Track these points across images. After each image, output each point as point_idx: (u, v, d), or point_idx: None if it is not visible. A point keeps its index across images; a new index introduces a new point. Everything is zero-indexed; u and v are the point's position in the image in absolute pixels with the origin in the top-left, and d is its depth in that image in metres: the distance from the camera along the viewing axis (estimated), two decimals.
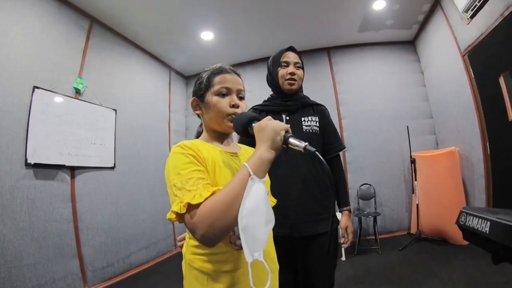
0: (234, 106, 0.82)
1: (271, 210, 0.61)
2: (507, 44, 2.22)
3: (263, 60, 4.14)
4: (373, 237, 3.42)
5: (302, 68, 1.42)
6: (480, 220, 0.98)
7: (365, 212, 3.59)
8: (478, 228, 0.98)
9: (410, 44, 3.96)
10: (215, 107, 0.81)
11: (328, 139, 1.40)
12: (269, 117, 0.71)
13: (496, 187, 2.54)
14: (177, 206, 0.60)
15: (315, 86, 3.84)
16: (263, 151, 0.64)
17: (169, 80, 4.32)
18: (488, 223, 0.92)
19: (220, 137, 0.87)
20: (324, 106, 1.46)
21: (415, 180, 3.26)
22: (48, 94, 2.43)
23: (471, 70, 2.73)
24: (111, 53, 3.21)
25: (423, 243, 3.08)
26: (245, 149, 0.95)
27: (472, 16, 2.51)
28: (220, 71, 0.85)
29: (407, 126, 3.56)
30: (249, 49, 3.96)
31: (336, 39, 3.79)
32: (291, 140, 0.66)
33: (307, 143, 0.64)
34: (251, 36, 3.60)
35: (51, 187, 2.37)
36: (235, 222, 0.56)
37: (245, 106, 0.86)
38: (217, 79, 0.83)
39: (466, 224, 1.08)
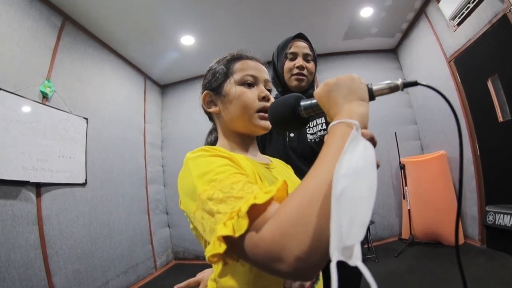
0: (265, 98, 0.65)
1: (375, 186, 0.33)
2: (495, 50, 2.41)
3: None
4: (366, 246, 3.40)
5: (315, 60, 1.20)
6: None
7: None
8: None
9: (392, 52, 4.14)
10: (239, 99, 0.64)
11: None
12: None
13: (487, 186, 2.68)
14: (226, 227, 0.36)
15: None
16: (354, 106, 0.44)
17: (144, 89, 4.04)
18: None
19: (246, 142, 0.69)
20: None
21: (406, 185, 3.32)
22: (10, 97, 2.08)
23: (457, 75, 2.91)
24: (84, 55, 2.90)
25: (417, 247, 3.12)
26: (275, 160, 0.78)
27: (459, 24, 2.72)
28: (240, 56, 0.69)
29: (395, 133, 3.63)
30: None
31: (321, 46, 3.85)
32: (377, 86, 0.49)
33: (400, 79, 0.48)
34: (234, 42, 3.53)
35: (14, 208, 1.99)
36: None
37: None
38: (238, 65, 0.67)
39: (496, 223, 1.07)
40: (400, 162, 3.45)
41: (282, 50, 1.19)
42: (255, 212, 0.36)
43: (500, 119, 2.48)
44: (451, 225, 2.89)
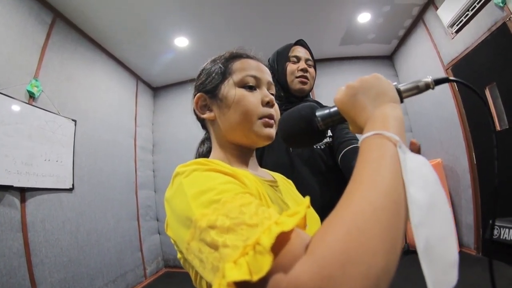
0: (269, 103, 0.57)
1: (447, 199, 0.32)
2: (493, 58, 2.41)
3: None
4: None
5: (315, 67, 1.20)
6: None
7: None
8: None
9: (388, 59, 4.15)
10: (240, 104, 0.54)
11: (340, 138, 1.06)
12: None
13: (484, 196, 2.67)
14: (241, 266, 0.26)
15: None
16: (387, 109, 0.38)
17: (136, 91, 3.93)
18: None
19: (245, 154, 0.59)
20: None
21: None
22: None
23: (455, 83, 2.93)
24: (74, 54, 2.80)
25: (411, 255, 3.05)
26: (279, 177, 0.68)
27: (458, 31, 2.72)
28: (240, 54, 0.61)
29: None
30: None
31: (317, 51, 3.77)
32: (405, 86, 0.44)
33: (430, 77, 0.43)
34: (228, 44, 3.40)
35: None
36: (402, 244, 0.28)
37: (278, 109, 0.60)
38: (238, 64, 0.58)
39: (501, 237, 1.03)
40: None
41: (283, 54, 1.17)
42: (278, 243, 0.27)
43: (498, 127, 2.48)
44: None
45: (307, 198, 0.34)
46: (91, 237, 2.67)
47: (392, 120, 0.36)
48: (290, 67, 1.14)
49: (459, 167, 2.97)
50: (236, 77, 0.56)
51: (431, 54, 3.18)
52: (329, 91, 3.98)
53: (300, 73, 1.13)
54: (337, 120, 0.46)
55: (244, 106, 0.54)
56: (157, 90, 4.42)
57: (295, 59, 1.15)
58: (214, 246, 0.30)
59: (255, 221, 0.30)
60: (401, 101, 0.43)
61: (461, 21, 2.64)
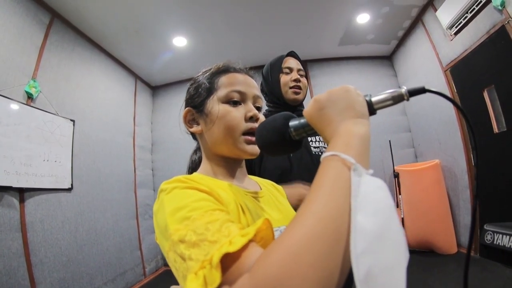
0: (252, 118, 0.58)
1: (401, 228, 0.31)
2: (492, 61, 2.41)
3: None
4: None
5: (306, 76, 1.26)
6: None
7: None
8: (511, 246, 0.93)
9: (387, 59, 4.13)
10: (223, 120, 0.56)
11: None
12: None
13: (482, 196, 2.66)
14: (198, 279, 0.30)
15: None
16: (351, 125, 0.38)
17: (135, 90, 3.92)
18: None
19: (231, 167, 0.61)
20: None
21: (399, 194, 3.30)
22: None
23: (453, 84, 2.91)
24: (72, 54, 2.79)
25: (411, 256, 3.06)
26: (266, 187, 0.69)
27: (457, 33, 2.72)
28: (227, 68, 0.62)
29: (390, 141, 3.58)
30: (225, 59, 3.70)
31: (316, 51, 3.84)
32: (378, 97, 0.42)
33: (405, 87, 0.41)
34: (227, 45, 3.48)
35: None
36: (345, 271, 0.28)
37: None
38: (223, 79, 0.60)
39: (495, 242, 1.05)
40: (394, 171, 3.42)
41: (276, 66, 1.22)
42: (229, 260, 0.31)
43: (496, 130, 2.49)
44: (444, 234, 2.91)
45: (264, 219, 0.36)
46: (90, 237, 2.69)
47: (353, 139, 0.36)
48: (284, 78, 1.20)
49: (457, 168, 2.98)
50: (221, 92, 0.58)
51: (430, 55, 3.18)
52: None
53: (294, 84, 1.18)
54: (310, 131, 0.46)
55: (227, 122, 0.56)
56: (156, 89, 4.41)
57: (288, 70, 1.21)
58: (183, 258, 0.35)
59: (216, 238, 0.34)
60: (374, 113, 0.42)
61: (460, 23, 2.64)
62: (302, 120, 0.46)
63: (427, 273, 2.55)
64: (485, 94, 2.55)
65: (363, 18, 3.21)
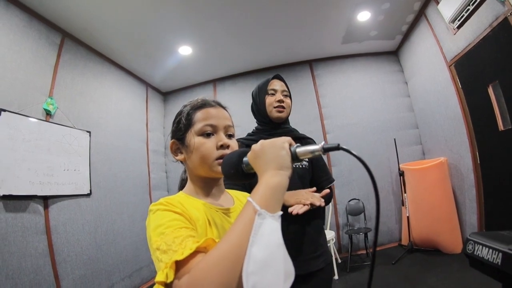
0: (223, 146, 0.69)
1: (289, 259, 0.43)
2: (495, 54, 2.32)
3: (243, 74, 4.10)
4: (365, 252, 3.40)
5: (290, 97, 1.37)
6: (491, 250, 0.95)
7: (356, 228, 3.51)
8: (489, 258, 0.94)
9: (393, 55, 4.02)
10: (198, 150, 0.68)
11: (317, 173, 1.33)
12: (261, 140, 0.57)
13: (487, 195, 2.61)
14: (162, 274, 0.45)
15: (298, 101, 3.71)
16: (269, 177, 0.49)
17: (146, 97, 4.13)
18: (501, 254, 0.89)
19: (209, 185, 0.73)
20: (312, 140, 1.38)
21: (405, 192, 3.24)
22: (15, 117, 2.21)
23: (458, 80, 2.81)
24: (84, 70, 3.01)
25: (415, 254, 3.07)
26: (241, 201, 0.81)
27: (459, 27, 2.62)
28: (201, 105, 0.73)
29: (394, 139, 3.52)
30: (229, 64, 3.89)
31: (319, 51, 3.82)
32: (301, 149, 0.52)
33: (323, 142, 0.51)
34: (230, 51, 3.57)
35: (23, 220, 2.14)
36: (241, 283, 0.40)
37: (235, 145, 0.72)
38: (198, 115, 0.70)
39: (475, 253, 1.05)
40: (399, 169, 3.36)
41: (263, 88, 1.34)
42: (180, 264, 0.45)
43: (501, 127, 2.40)
44: (450, 233, 2.86)
45: (207, 239, 0.49)
46: (108, 237, 2.92)
47: (266, 189, 0.48)
48: (269, 99, 1.31)
49: (463, 166, 2.89)
50: (197, 126, 0.70)
51: (434, 50, 3.07)
52: (332, 90, 3.97)
53: (277, 104, 1.29)
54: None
55: (201, 152, 0.68)
56: (166, 95, 4.59)
57: (273, 92, 1.32)
58: (159, 260, 0.49)
59: (177, 248, 0.48)
60: (299, 160, 0.53)
61: (462, 16, 2.54)
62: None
63: (429, 274, 2.53)
64: (490, 90, 2.45)
65: (363, 16, 3.16)
